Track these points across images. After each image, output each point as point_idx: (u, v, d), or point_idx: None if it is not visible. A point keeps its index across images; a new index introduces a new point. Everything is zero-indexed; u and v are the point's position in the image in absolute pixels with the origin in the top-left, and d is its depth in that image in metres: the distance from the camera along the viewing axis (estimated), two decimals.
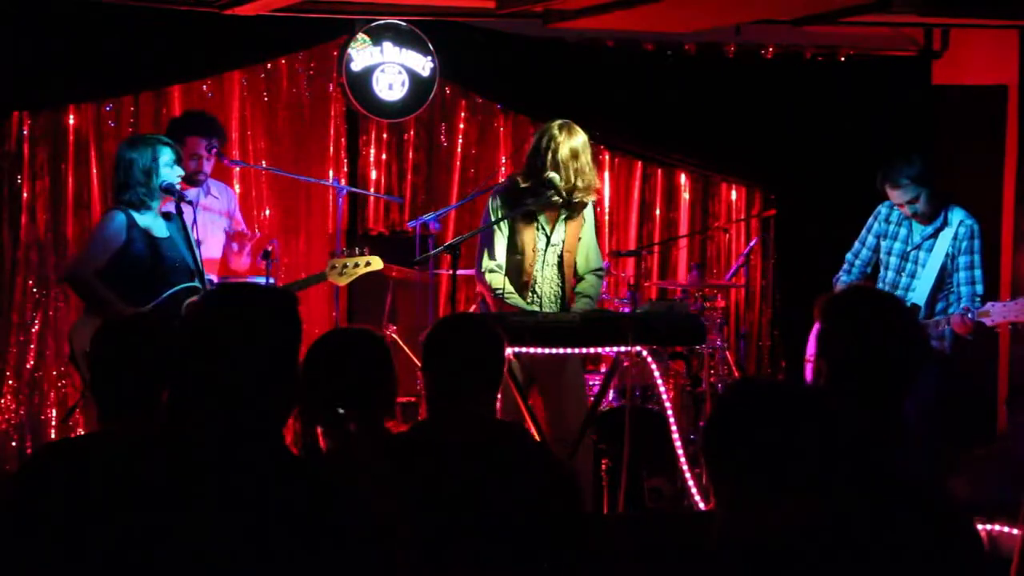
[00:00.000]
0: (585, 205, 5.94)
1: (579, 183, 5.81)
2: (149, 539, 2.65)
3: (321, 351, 3.49)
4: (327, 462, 3.35)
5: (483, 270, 5.90)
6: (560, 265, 5.94)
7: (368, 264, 6.32)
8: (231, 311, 2.82)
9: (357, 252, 6.35)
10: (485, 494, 3.29)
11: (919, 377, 3.19)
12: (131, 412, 3.19)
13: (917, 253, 6.09)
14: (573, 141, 5.81)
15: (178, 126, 6.47)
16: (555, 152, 5.77)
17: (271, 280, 6.31)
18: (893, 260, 6.17)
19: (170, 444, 2.74)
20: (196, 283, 5.72)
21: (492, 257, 5.88)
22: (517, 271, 5.89)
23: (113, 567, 2.75)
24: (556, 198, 5.80)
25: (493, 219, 5.86)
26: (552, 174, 5.76)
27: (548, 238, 5.91)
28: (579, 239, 5.96)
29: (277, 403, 2.77)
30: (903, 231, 6.15)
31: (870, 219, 6.29)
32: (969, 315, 5.82)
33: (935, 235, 6.06)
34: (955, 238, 6.00)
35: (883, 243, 6.20)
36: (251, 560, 2.63)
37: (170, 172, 5.72)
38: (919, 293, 6.03)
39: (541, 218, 5.90)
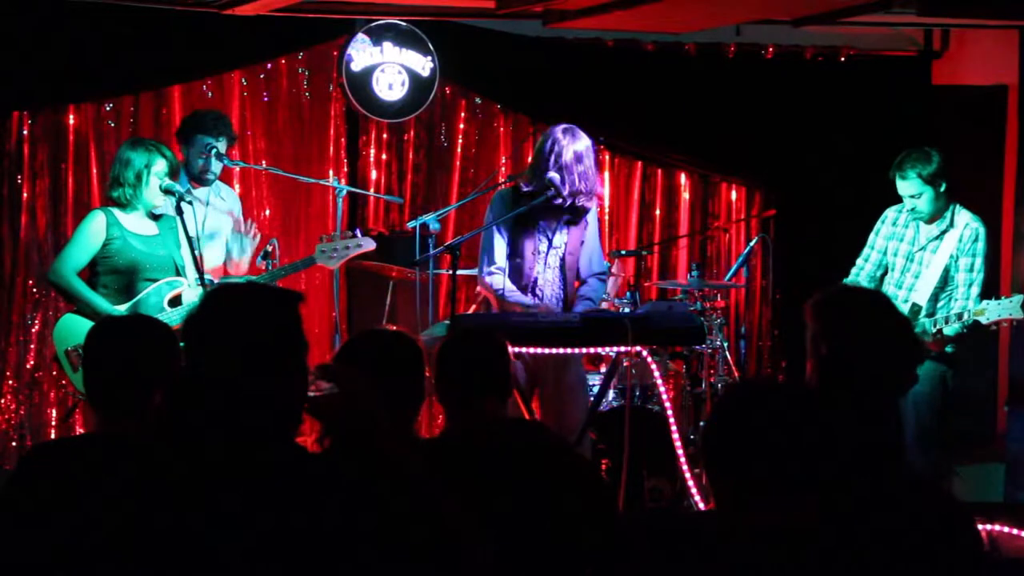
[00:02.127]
0: (588, 210, 5.94)
1: (582, 188, 5.80)
2: (144, 539, 2.65)
3: (356, 351, 3.49)
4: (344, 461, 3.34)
5: (484, 274, 5.91)
6: (562, 268, 5.94)
7: (359, 246, 6.17)
8: (229, 311, 2.82)
9: (349, 235, 6.27)
10: (510, 493, 3.30)
11: (916, 377, 3.18)
12: (126, 413, 3.17)
13: (923, 254, 6.10)
14: (577, 145, 5.80)
15: (186, 124, 6.46)
16: (558, 156, 5.76)
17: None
18: (899, 261, 6.18)
19: (167, 445, 2.74)
20: (179, 279, 5.76)
21: (492, 262, 5.89)
22: (518, 274, 5.89)
23: (106, 567, 2.74)
24: (557, 200, 5.79)
25: (492, 222, 5.87)
26: (553, 174, 5.76)
27: (549, 241, 5.91)
28: (581, 242, 5.96)
29: (281, 401, 2.77)
30: (910, 232, 6.16)
31: (877, 223, 6.30)
32: (966, 318, 5.84)
33: (941, 236, 6.06)
34: (960, 240, 6.00)
35: (890, 245, 6.21)
36: (251, 559, 2.62)
37: (158, 183, 5.73)
38: (921, 293, 6.04)
39: (543, 222, 5.89)
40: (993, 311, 5.80)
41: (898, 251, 6.19)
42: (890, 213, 6.26)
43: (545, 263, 5.91)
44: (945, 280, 6.03)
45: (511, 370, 3.78)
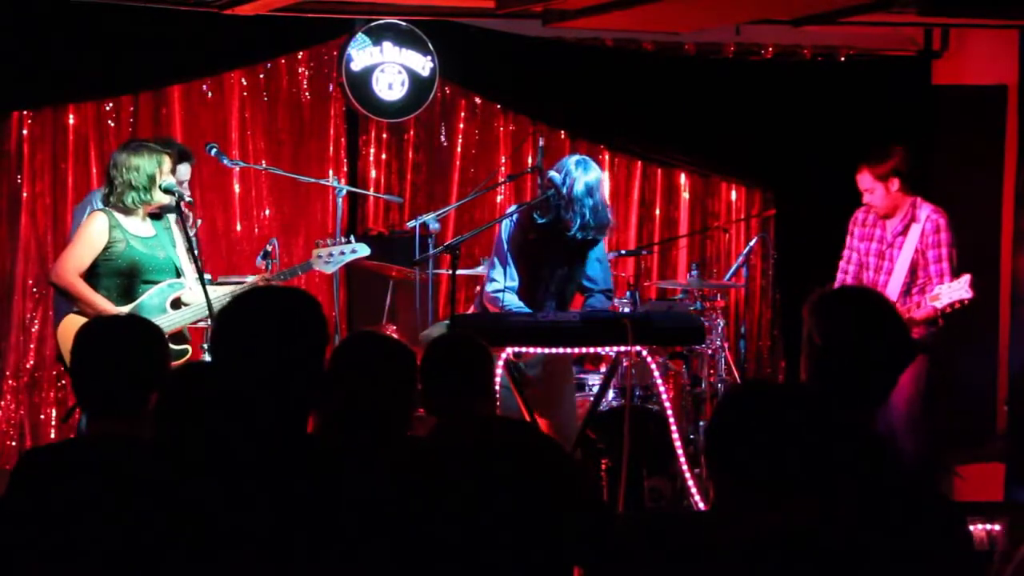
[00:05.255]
0: (597, 243, 5.88)
1: (592, 222, 5.72)
2: (137, 542, 2.65)
3: (350, 354, 3.49)
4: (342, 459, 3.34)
5: (491, 291, 5.85)
6: (563, 294, 5.94)
7: (354, 251, 6.10)
8: (263, 312, 2.85)
9: (343, 241, 6.26)
10: (497, 490, 3.30)
11: (901, 372, 3.18)
12: (117, 413, 3.13)
13: (891, 250, 6.18)
14: (588, 177, 5.72)
15: None
16: (570, 189, 5.68)
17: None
18: (872, 260, 6.28)
19: (167, 446, 2.74)
20: (180, 281, 5.75)
21: (498, 282, 5.83)
22: (527, 292, 5.85)
23: (102, 569, 2.74)
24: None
25: (504, 241, 5.81)
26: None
27: (560, 263, 5.87)
28: (597, 260, 5.94)
29: (287, 401, 2.79)
30: (877, 231, 6.27)
31: (849, 225, 6.38)
32: (922, 306, 5.92)
33: (905, 232, 6.15)
34: (923, 233, 6.08)
35: (861, 245, 6.30)
36: (251, 557, 2.62)
37: (167, 179, 5.72)
38: (892, 288, 6.11)
39: (556, 245, 5.84)
40: (945, 295, 5.86)
41: (870, 250, 6.29)
42: (859, 214, 6.37)
43: (547, 290, 5.90)
44: (915, 274, 6.10)
45: (494, 369, 3.77)
